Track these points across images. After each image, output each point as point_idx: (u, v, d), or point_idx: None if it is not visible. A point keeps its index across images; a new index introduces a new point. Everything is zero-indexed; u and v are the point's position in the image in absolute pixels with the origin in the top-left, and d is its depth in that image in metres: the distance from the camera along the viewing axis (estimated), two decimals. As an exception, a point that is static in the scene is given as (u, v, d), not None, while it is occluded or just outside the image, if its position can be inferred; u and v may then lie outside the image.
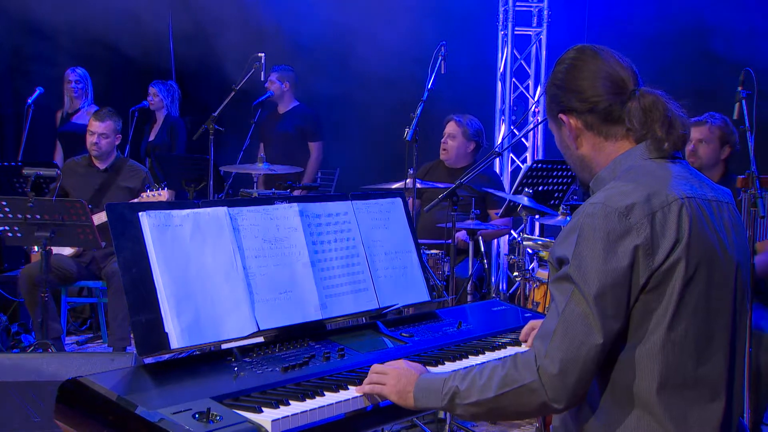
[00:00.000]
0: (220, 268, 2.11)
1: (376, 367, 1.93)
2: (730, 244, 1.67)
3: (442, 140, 5.19)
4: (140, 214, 2.03)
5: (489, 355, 2.25)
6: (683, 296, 1.58)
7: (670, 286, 1.57)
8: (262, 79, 5.70)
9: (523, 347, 2.31)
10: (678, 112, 1.72)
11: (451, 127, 5.18)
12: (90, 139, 5.11)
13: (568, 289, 1.60)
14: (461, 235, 4.76)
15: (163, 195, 4.82)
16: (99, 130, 5.08)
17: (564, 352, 1.58)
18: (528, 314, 2.73)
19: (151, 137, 6.71)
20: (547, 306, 4.32)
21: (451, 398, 1.74)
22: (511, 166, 6.71)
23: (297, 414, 1.75)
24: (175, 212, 2.09)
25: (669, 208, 1.59)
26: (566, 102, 1.76)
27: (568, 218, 4.29)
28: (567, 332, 1.58)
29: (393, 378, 1.86)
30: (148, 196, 4.82)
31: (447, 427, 3.84)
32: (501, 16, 6.62)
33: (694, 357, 1.60)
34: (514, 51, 6.57)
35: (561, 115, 1.78)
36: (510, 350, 2.31)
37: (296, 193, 5.07)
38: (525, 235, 4.72)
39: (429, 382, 1.81)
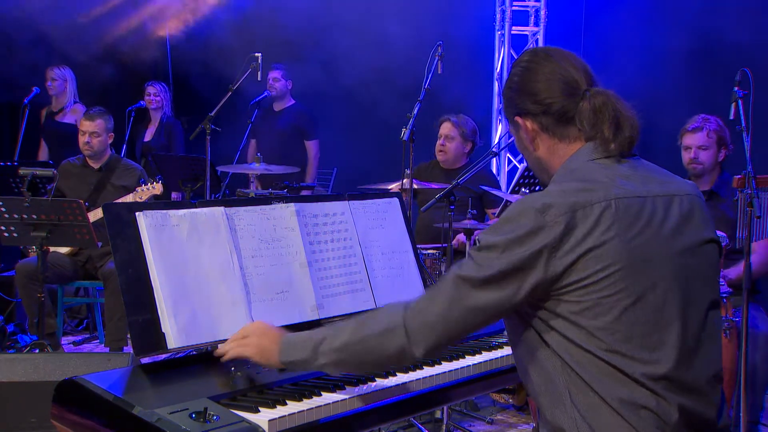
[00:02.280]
0: (217, 268, 2.11)
1: (234, 335, 1.96)
2: (677, 239, 1.66)
3: (439, 142, 5.17)
4: (137, 214, 2.03)
5: (486, 355, 2.26)
6: (608, 296, 1.58)
7: (596, 287, 1.57)
8: (259, 78, 5.70)
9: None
10: (628, 113, 1.72)
11: (447, 129, 5.15)
12: (82, 139, 5.12)
13: (464, 260, 1.68)
14: (461, 237, 4.76)
15: (157, 188, 4.83)
16: (90, 129, 5.10)
17: (435, 307, 1.66)
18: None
19: (147, 137, 6.70)
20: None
21: (319, 343, 1.79)
22: (507, 166, 6.72)
23: (294, 414, 1.75)
24: (172, 212, 2.09)
25: (591, 209, 1.59)
26: (521, 105, 1.78)
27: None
28: (442, 289, 1.67)
29: (254, 338, 1.91)
30: (142, 189, 4.83)
31: (444, 426, 3.84)
32: (498, 16, 6.63)
33: (630, 357, 1.59)
34: (511, 51, 6.58)
35: (516, 118, 1.80)
36: (507, 350, 2.31)
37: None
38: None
39: (295, 336, 1.87)
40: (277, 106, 6.40)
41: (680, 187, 1.76)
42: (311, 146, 6.42)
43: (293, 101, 6.44)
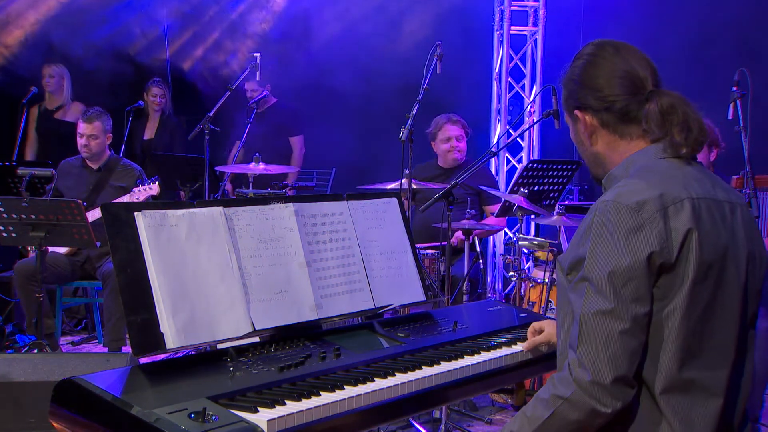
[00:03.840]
0: (216, 268, 2.11)
1: None
2: (742, 246, 1.66)
3: (452, 144, 5.17)
4: (136, 214, 2.03)
5: (485, 355, 2.25)
6: (693, 294, 1.57)
7: (680, 282, 1.57)
8: (258, 78, 5.71)
9: (519, 347, 2.32)
10: (695, 115, 1.70)
11: (456, 130, 5.18)
12: (80, 141, 5.13)
13: (583, 289, 1.59)
14: (459, 234, 4.76)
15: (154, 188, 4.84)
16: (88, 132, 5.10)
17: (592, 356, 1.55)
18: (524, 314, 2.74)
19: (146, 135, 6.70)
20: (542, 306, 4.32)
21: None
22: (506, 165, 6.72)
23: (293, 413, 1.75)
24: (171, 212, 2.09)
25: (681, 205, 1.58)
26: (582, 99, 1.75)
27: (564, 218, 4.30)
28: (590, 334, 1.56)
29: None
30: (139, 190, 4.84)
31: (442, 426, 3.84)
32: (497, 15, 6.63)
33: (688, 355, 1.59)
34: (510, 51, 6.57)
35: (576, 112, 1.77)
36: (506, 350, 2.31)
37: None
38: (521, 235, 4.73)
39: None
40: (260, 107, 6.47)
41: (737, 196, 1.76)
42: (296, 142, 6.55)
43: (274, 99, 6.52)
